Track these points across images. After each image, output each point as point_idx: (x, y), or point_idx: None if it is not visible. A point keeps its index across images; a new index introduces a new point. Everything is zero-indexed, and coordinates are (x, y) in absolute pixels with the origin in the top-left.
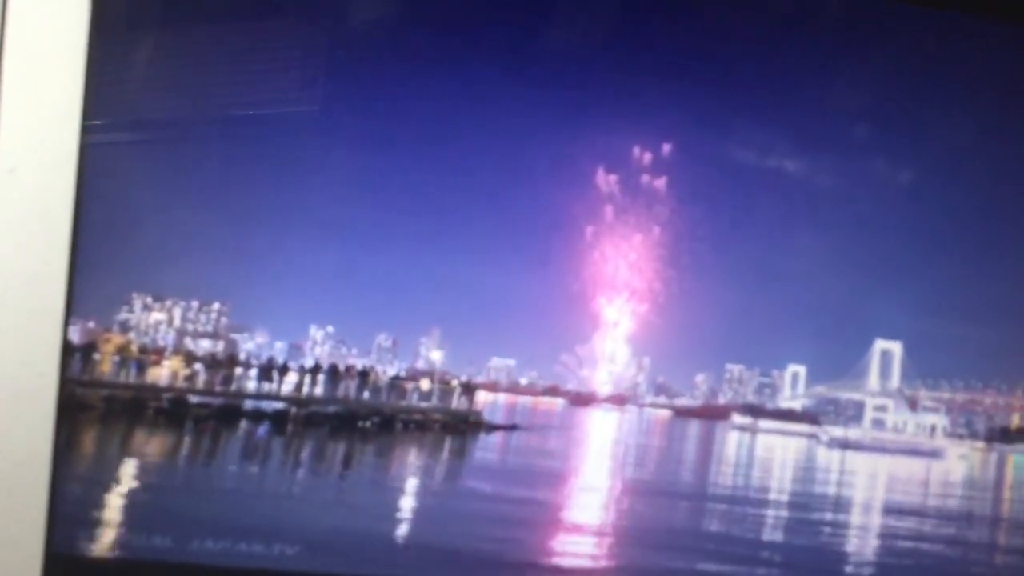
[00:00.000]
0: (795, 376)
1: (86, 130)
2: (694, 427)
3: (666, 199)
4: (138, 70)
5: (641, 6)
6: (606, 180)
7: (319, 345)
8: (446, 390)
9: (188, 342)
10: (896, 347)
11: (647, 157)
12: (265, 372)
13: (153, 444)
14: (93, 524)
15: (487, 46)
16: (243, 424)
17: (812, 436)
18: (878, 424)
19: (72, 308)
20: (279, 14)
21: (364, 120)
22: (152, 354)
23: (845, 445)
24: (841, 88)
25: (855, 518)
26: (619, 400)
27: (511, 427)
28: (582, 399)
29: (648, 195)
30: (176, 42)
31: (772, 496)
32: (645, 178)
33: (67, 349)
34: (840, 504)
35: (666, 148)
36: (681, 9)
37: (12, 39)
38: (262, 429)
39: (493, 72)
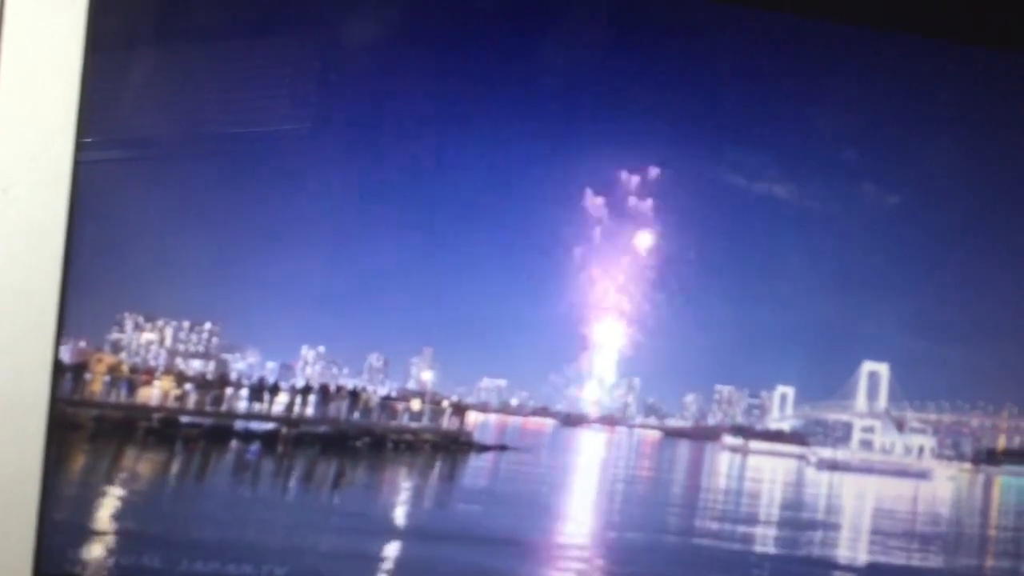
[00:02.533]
0: (783, 397)
1: (80, 149)
2: (685, 448)
3: (654, 222)
4: (132, 89)
5: (630, 30)
6: (594, 203)
7: (310, 365)
8: (437, 410)
9: (179, 362)
10: (883, 368)
11: (635, 180)
12: (256, 392)
13: (143, 464)
14: (82, 544)
15: (477, 68)
16: (233, 444)
17: (801, 457)
18: (866, 445)
19: (63, 327)
20: (272, 33)
21: (355, 141)
22: (143, 374)
23: (834, 466)
24: (828, 112)
25: (844, 539)
26: (609, 421)
27: (501, 447)
28: (572, 419)
29: (636, 218)
30: (170, 61)
31: (763, 517)
32: (633, 201)
33: (58, 368)
34: (829, 525)
35: (654, 171)
36: (670, 33)
37: (7, 58)
38: (252, 449)
39: (483, 94)
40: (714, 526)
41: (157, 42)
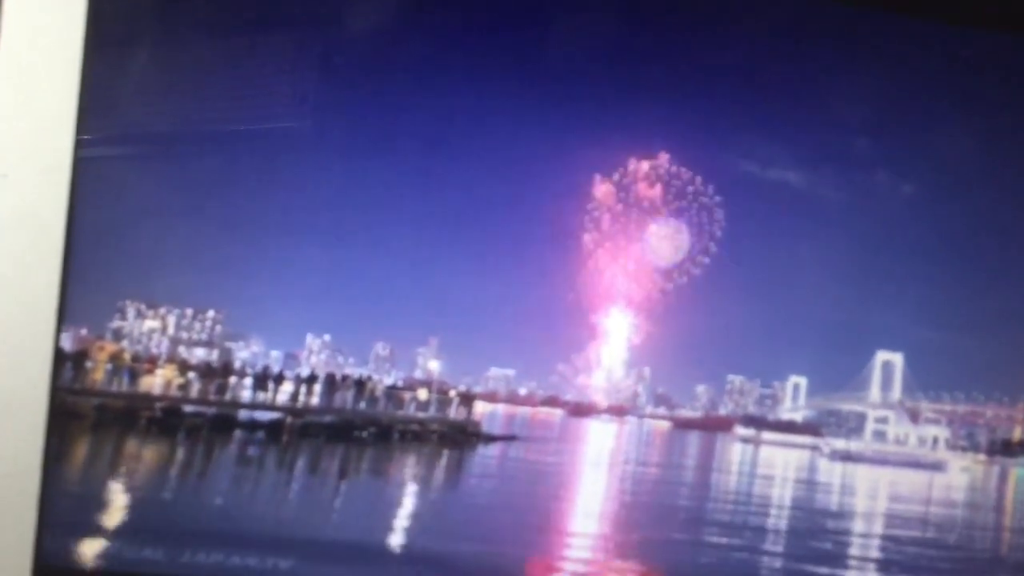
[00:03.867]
0: (796, 387)
1: (79, 139)
2: (695, 439)
3: (665, 211)
4: (132, 80)
5: (640, 20)
6: (603, 190)
7: (315, 354)
8: (444, 400)
9: (182, 350)
10: (897, 358)
11: (644, 168)
12: (260, 381)
13: (145, 454)
14: (83, 535)
15: (485, 59)
16: (237, 434)
17: (814, 448)
18: (879, 436)
19: (64, 315)
20: (273, 27)
21: (361, 131)
22: (145, 362)
23: (847, 457)
24: (842, 101)
25: (858, 530)
26: (619, 411)
27: (510, 438)
28: (581, 409)
29: (646, 207)
30: (170, 53)
31: (775, 508)
32: (643, 190)
33: (59, 357)
34: (843, 516)
35: (664, 160)
36: (680, 23)
37: (7, 48)
38: (257, 439)
39: (491, 84)
40: (727, 518)
41: (157, 32)
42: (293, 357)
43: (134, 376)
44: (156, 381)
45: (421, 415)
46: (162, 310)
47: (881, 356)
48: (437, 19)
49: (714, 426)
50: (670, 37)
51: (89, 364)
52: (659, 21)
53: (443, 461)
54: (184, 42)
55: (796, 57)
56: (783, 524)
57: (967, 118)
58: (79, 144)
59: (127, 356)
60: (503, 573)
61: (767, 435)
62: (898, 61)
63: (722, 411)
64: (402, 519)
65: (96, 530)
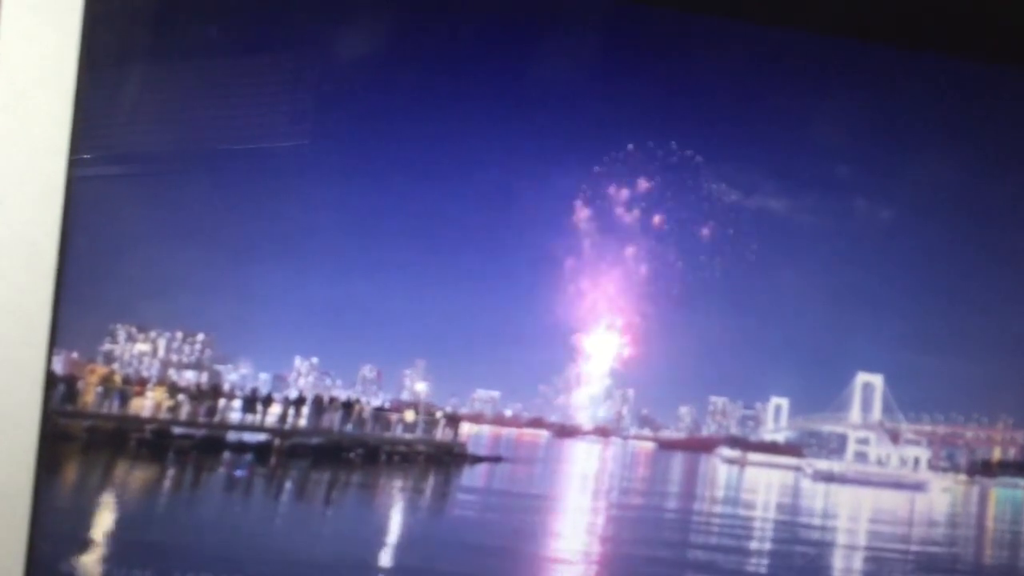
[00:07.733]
0: (778, 408)
1: (73, 162)
2: (679, 460)
3: (645, 236)
4: (126, 104)
5: (622, 46)
6: (585, 215)
7: (303, 376)
8: (430, 422)
9: (172, 373)
10: (878, 380)
11: (625, 194)
12: (249, 403)
13: (136, 476)
14: (74, 557)
15: (472, 84)
16: (226, 456)
17: (797, 469)
18: (861, 457)
19: (56, 338)
20: (268, 50)
21: (349, 155)
22: (135, 385)
23: (830, 478)
24: (821, 127)
25: (841, 551)
26: (603, 432)
27: (496, 459)
28: (566, 431)
29: (626, 232)
30: (164, 76)
31: (759, 530)
32: (623, 215)
33: (50, 380)
34: (827, 536)
35: (644, 185)
36: (661, 49)
37: (1, 72)
38: (245, 461)
39: (477, 109)
40: (713, 540)
41: (151, 58)
42: (281, 379)
43: (124, 398)
44: (146, 403)
45: (408, 436)
46: (152, 333)
47: (861, 378)
48: (425, 50)
49: (697, 447)
50: (652, 66)
51: (80, 386)
52: (641, 51)
53: (430, 481)
54: (179, 68)
55: (777, 86)
56: (767, 544)
57: (946, 144)
58: (72, 170)
59: (118, 379)
60: None
61: (750, 456)
62: (878, 89)
63: (705, 432)
64: (390, 539)
65: (87, 551)
